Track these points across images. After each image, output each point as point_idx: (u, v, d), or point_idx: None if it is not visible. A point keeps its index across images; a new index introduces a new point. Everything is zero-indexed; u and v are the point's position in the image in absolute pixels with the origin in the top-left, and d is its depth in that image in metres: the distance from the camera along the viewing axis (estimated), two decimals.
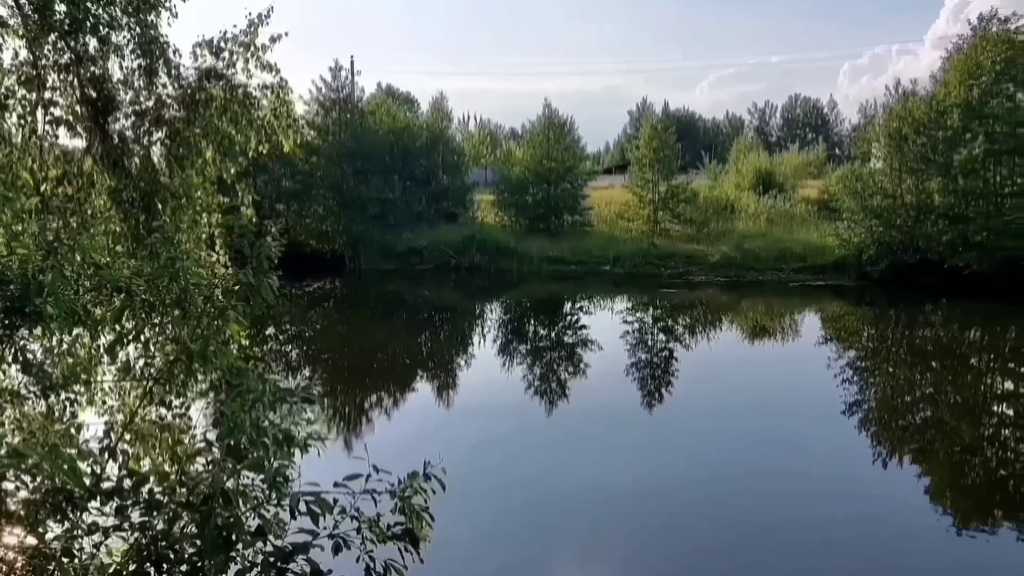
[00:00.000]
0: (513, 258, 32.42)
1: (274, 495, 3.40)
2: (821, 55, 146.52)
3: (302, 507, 3.20)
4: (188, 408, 5.25)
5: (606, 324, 22.98)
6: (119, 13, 6.59)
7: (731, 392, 15.21)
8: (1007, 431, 13.12)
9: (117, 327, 4.79)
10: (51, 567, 3.37)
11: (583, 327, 22.93)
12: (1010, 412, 14.24)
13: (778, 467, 10.87)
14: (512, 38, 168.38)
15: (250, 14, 6.68)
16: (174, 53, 6.89)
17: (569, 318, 24.97)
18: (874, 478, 10.57)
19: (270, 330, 21.12)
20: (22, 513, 3.43)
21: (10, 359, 5.41)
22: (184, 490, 3.49)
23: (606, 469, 10.67)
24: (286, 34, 6.72)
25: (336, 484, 3.37)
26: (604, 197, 37.93)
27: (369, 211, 33.68)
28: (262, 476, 3.38)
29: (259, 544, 3.35)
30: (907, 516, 9.35)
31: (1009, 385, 16.22)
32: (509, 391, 15.19)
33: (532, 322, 24.80)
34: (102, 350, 5.51)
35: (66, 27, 6.44)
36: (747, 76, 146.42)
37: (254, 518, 3.41)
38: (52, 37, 6.51)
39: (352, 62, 37.32)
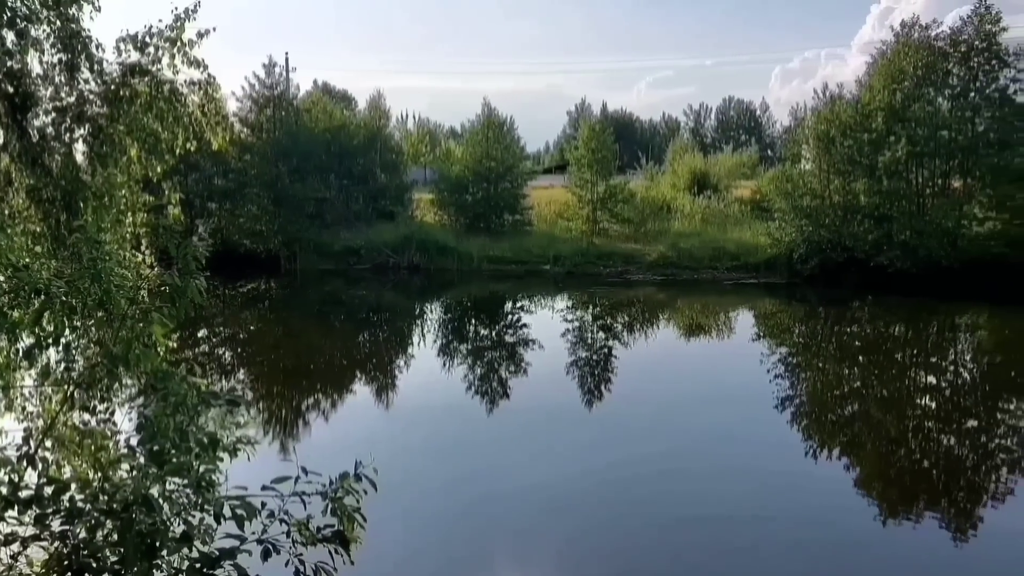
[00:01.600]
0: (453, 257, 32.30)
1: (200, 500, 3.32)
2: (754, 58, 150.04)
3: (227, 512, 3.13)
4: (113, 413, 5.09)
5: (546, 323, 23.10)
6: (38, 6, 6.35)
7: (669, 389, 15.46)
8: (929, 423, 13.63)
9: (36, 330, 4.61)
10: None
11: (524, 326, 23.01)
12: (932, 405, 14.79)
13: (713, 462, 11.08)
14: (451, 37, 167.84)
15: (176, 9, 6.49)
16: (97, 48, 6.66)
17: (510, 317, 25.03)
18: (805, 470, 10.86)
19: (203, 331, 20.64)
20: None
21: None
22: (106, 497, 3.39)
23: (545, 468, 10.71)
24: (214, 30, 6.55)
25: (264, 487, 3.31)
26: (544, 197, 38.10)
27: (305, 210, 33.17)
28: (187, 481, 3.31)
29: (185, 550, 3.27)
30: (837, 507, 9.62)
31: (931, 379, 16.85)
32: (449, 391, 15.16)
33: (472, 321, 24.79)
34: (20, 354, 5.30)
35: None
36: (683, 78, 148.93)
37: (180, 524, 3.33)
38: None
39: (287, 59, 36.71)
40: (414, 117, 72.06)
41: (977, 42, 25.95)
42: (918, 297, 24.44)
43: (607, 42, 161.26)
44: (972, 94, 26.38)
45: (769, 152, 65.81)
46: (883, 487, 10.56)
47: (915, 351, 19.85)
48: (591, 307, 26.46)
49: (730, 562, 8.21)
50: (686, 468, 10.76)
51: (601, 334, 21.85)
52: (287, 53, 36.54)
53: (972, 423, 13.65)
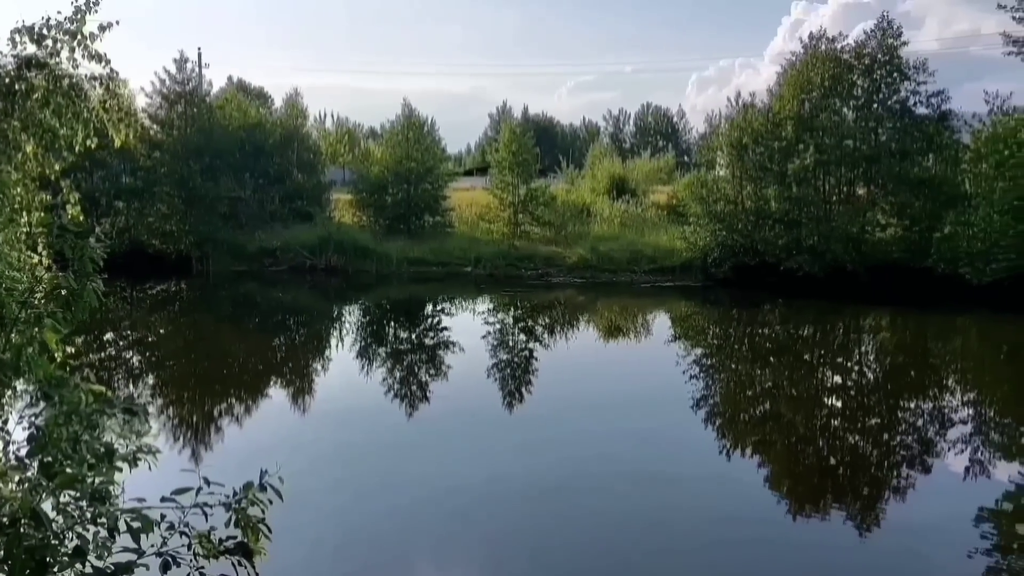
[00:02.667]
0: (372, 259, 31.92)
1: (95, 513, 3.15)
2: (672, 66, 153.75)
3: (123, 525, 2.97)
4: (6, 422, 4.79)
5: (467, 325, 23.04)
6: None
7: (588, 391, 15.59)
8: (836, 421, 14.14)
9: None
10: None
11: (444, 328, 22.89)
12: (838, 404, 15.35)
13: (630, 463, 11.20)
14: (372, 36, 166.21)
15: (76, 1, 6.16)
16: None
17: (430, 320, 24.87)
18: (718, 469, 11.11)
19: (109, 335, 19.82)
20: None
21: None
22: None
23: (464, 473, 10.65)
24: (117, 23, 6.24)
25: (164, 499, 3.16)
26: (465, 198, 38.06)
27: (218, 210, 32.28)
28: (81, 494, 3.13)
29: (78, 566, 3.09)
30: (749, 505, 9.86)
31: (837, 379, 17.50)
32: (367, 395, 14.93)
33: (392, 324, 24.52)
34: None
35: None
36: (603, 84, 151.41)
37: (72, 539, 3.15)
38: None
39: (199, 54, 35.70)
40: (332, 116, 70.94)
41: (880, 55, 27.16)
42: (825, 300, 25.40)
43: (529, 46, 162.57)
44: (875, 105, 27.60)
45: (685, 158, 67.37)
46: (793, 484, 10.88)
47: (822, 352, 20.60)
48: (512, 309, 26.53)
49: (645, 562, 8.31)
50: (604, 470, 10.86)
51: (522, 336, 21.92)
52: (199, 48, 35.58)
53: (875, 421, 14.24)
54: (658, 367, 18.09)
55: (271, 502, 3.29)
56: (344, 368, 17.51)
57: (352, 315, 26.48)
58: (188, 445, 12.09)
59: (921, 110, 27.33)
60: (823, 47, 28.05)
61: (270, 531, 3.26)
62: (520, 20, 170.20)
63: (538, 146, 36.35)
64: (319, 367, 18.43)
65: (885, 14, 27.61)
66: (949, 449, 12.06)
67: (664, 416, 13.77)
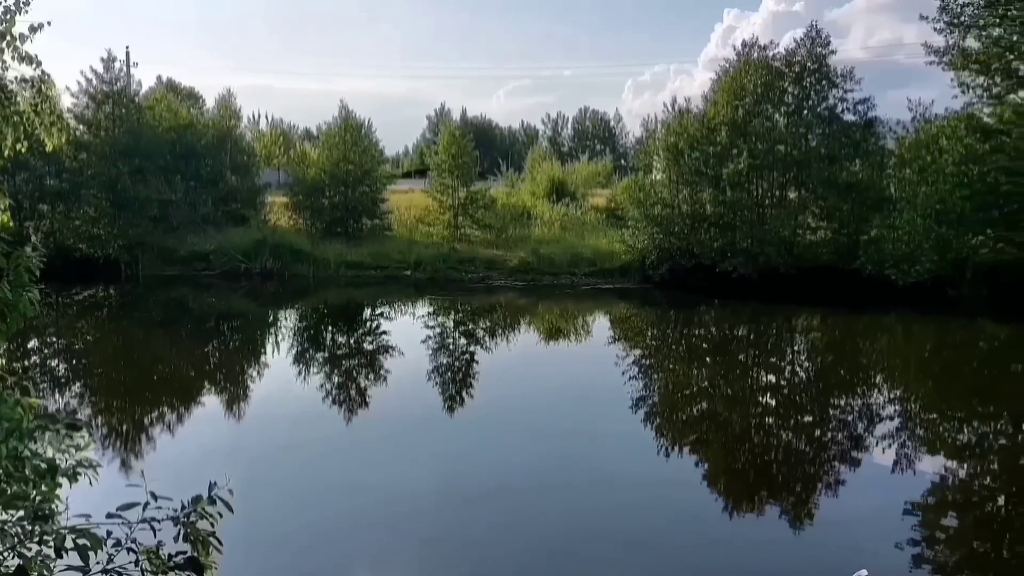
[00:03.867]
0: (309, 263, 31.44)
1: (37, 531, 3.04)
2: (608, 71, 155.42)
3: (68, 543, 2.88)
4: None
5: (408, 329, 22.90)
6: None
7: (529, 392, 15.67)
8: (771, 419, 14.51)
9: None
10: None
11: (384, 333, 22.71)
12: (773, 402, 15.77)
13: (570, 464, 11.31)
14: (307, 36, 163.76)
15: (6, 1, 5.93)
16: None
17: (369, 324, 24.64)
18: (657, 468, 11.29)
19: (33, 343, 19.09)
20: None
21: None
22: None
23: (409, 478, 10.59)
24: (48, 23, 6.03)
25: (109, 515, 3.07)
26: (404, 201, 37.81)
27: (148, 213, 31.39)
28: (22, 512, 3.02)
29: None
30: (686, 503, 10.06)
31: (771, 378, 17.97)
32: (306, 402, 14.70)
33: (330, 329, 24.21)
34: None
35: None
36: (541, 87, 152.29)
37: (14, 558, 3.04)
38: None
39: (128, 53, 34.71)
40: (267, 117, 69.67)
41: (809, 63, 27.99)
42: (759, 301, 26.04)
43: (466, 48, 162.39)
44: (805, 111, 28.43)
45: (623, 162, 68.22)
46: (730, 482, 11.13)
47: (757, 352, 21.11)
48: (453, 312, 26.48)
49: (584, 563, 8.39)
50: (544, 471, 10.93)
51: (463, 340, 21.90)
52: (128, 47, 34.59)
53: (808, 418, 14.67)
54: (598, 368, 18.28)
55: (221, 515, 3.23)
56: (283, 374, 17.22)
57: (289, 320, 26.05)
58: (122, 458, 11.74)
59: (848, 117, 28.28)
60: (755, 55, 28.76)
61: (221, 544, 3.20)
62: (458, 22, 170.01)
63: (477, 149, 36.37)
64: (256, 374, 18.08)
65: (814, 23, 28.50)
66: (878, 444, 12.50)
67: (604, 417, 13.92)
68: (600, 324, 25.49)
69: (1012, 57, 25.11)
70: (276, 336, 23.01)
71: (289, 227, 35.06)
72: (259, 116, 68.33)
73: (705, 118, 29.03)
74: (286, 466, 11.05)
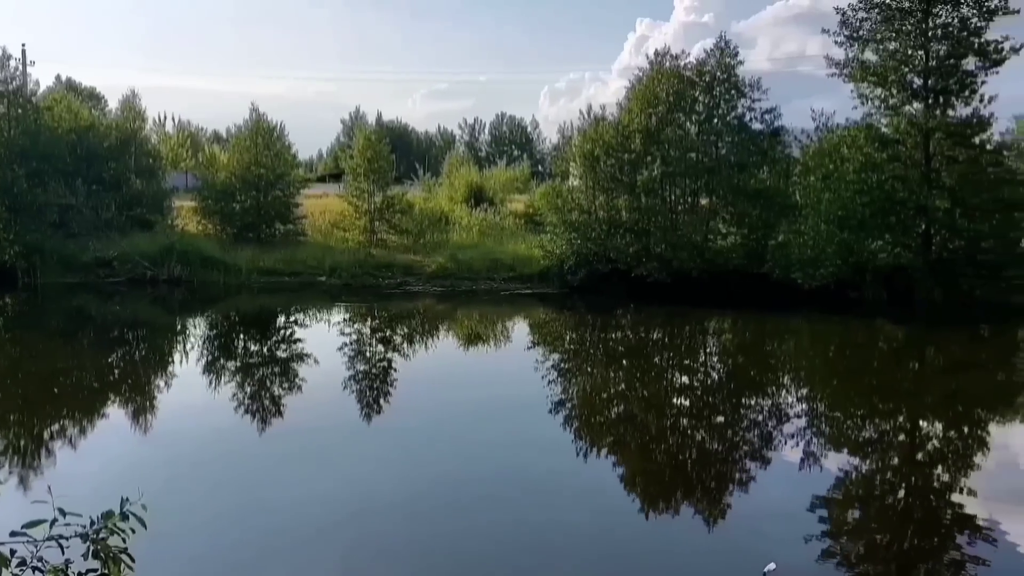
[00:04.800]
0: (219, 269, 30.51)
1: None
2: (524, 77, 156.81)
3: None
4: None
5: (323, 337, 22.45)
6: None
7: (448, 399, 15.54)
8: (685, 420, 14.80)
9: None
10: None
11: (299, 340, 22.19)
12: (687, 403, 16.09)
13: (490, 468, 11.27)
14: (216, 37, 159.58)
15: None
16: None
17: (283, 332, 24.05)
18: (575, 470, 11.34)
19: None
20: None
21: None
22: None
23: (324, 488, 10.34)
24: None
25: (13, 533, 2.90)
26: (318, 206, 37.17)
27: (47, 218, 29.99)
28: None
29: None
30: (604, 504, 10.12)
31: (685, 379, 18.36)
32: (218, 414, 14.20)
33: (242, 337, 23.53)
34: None
35: None
36: (458, 92, 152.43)
37: None
38: None
39: (24, 51, 33.12)
40: (173, 119, 67.56)
41: (719, 73, 28.82)
42: (673, 305, 26.61)
43: (383, 52, 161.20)
44: (715, 120, 29.25)
45: (540, 168, 68.83)
46: (646, 483, 11.28)
47: (671, 354, 21.54)
48: (370, 319, 26.13)
49: (506, 569, 8.35)
50: (461, 478, 10.85)
51: (381, 347, 21.62)
52: (24, 45, 33.03)
53: (721, 418, 15.02)
54: (518, 374, 18.29)
55: (133, 531, 3.09)
56: (193, 385, 16.60)
57: (199, 328, 25.19)
58: (28, 473, 11.07)
59: (756, 125, 29.23)
60: (667, 64, 29.43)
61: (133, 561, 3.06)
62: (374, 25, 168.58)
63: (393, 153, 36.07)
64: (165, 384, 17.40)
65: (723, 34, 29.40)
66: (786, 442, 12.89)
67: (524, 422, 13.93)
68: (519, 329, 25.57)
69: (907, 70, 26.44)
70: (185, 345, 22.21)
71: (198, 232, 34.00)
72: (165, 118, 66.28)
73: (620, 125, 29.53)
74: (197, 481, 10.63)
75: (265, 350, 21.13)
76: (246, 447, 12.34)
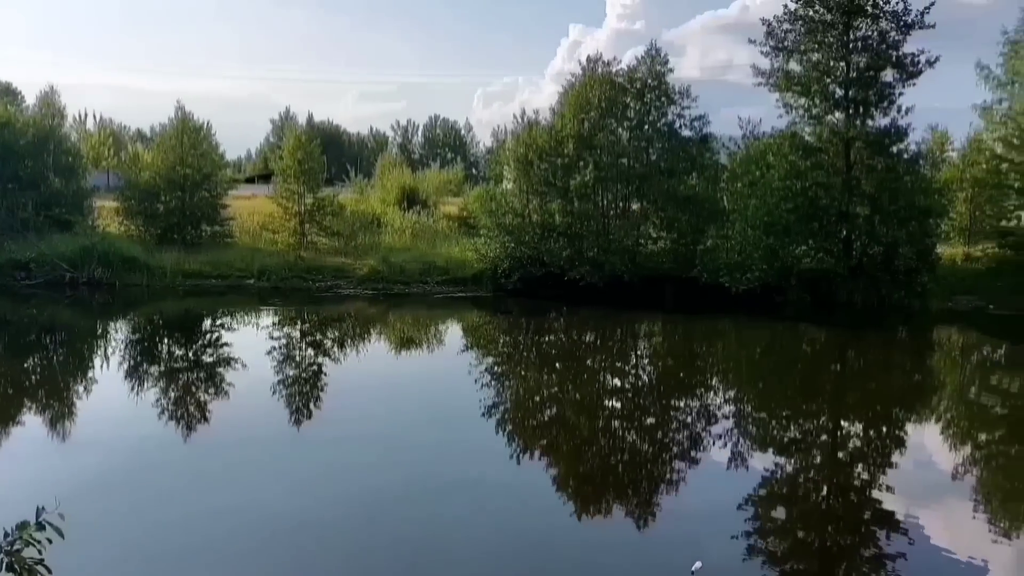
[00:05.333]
0: (143, 272, 29.57)
1: None
2: (458, 80, 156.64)
3: None
4: None
5: (251, 341, 21.94)
6: None
7: (379, 403, 15.36)
8: (617, 422, 14.96)
9: None
10: None
11: (225, 344, 21.63)
12: (618, 405, 16.27)
13: (422, 474, 11.16)
14: (144, 33, 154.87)
15: None
16: None
17: (209, 335, 23.42)
18: (508, 473, 11.34)
19: None
20: None
21: None
22: None
23: (253, 498, 10.08)
24: None
25: None
26: (247, 207, 36.41)
27: None
28: None
29: None
30: (537, 508, 10.15)
31: (617, 381, 18.55)
32: (141, 419, 13.71)
33: (166, 341, 22.82)
34: None
35: None
36: (391, 94, 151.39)
37: None
38: None
39: None
40: (95, 117, 65.33)
41: (650, 80, 29.32)
42: (605, 308, 26.91)
43: (314, 52, 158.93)
44: (646, 127, 29.73)
45: (474, 171, 68.83)
46: (578, 485, 11.36)
47: (603, 357, 21.76)
48: (299, 323, 25.67)
49: (437, 570, 8.29)
50: (396, 483, 10.73)
51: (310, 351, 21.25)
52: None
53: (651, 420, 15.24)
54: (451, 377, 18.22)
55: (51, 541, 2.96)
56: (114, 391, 16.00)
57: (121, 333, 24.34)
58: None
59: (686, 132, 29.85)
60: (600, 70, 29.80)
61: (50, 572, 2.93)
62: (306, 25, 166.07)
63: (325, 154, 35.61)
64: (85, 390, 16.74)
65: (653, 42, 29.95)
66: (715, 443, 13.15)
67: (457, 426, 13.87)
68: (453, 332, 25.48)
69: (829, 81, 27.36)
70: (106, 350, 21.43)
71: (120, 233, 32.92)
72: (86, 115, 64.09)
73: (553, 130, 29.77)
74: (118, 490, 10.24)
75: (191, 354, 20.55)
76: (169, 455, 11.95)
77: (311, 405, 15.57)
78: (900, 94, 27.04)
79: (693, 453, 12.99)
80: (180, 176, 32.71)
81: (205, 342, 22.35)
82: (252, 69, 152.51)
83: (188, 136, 33.31)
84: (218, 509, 9.58)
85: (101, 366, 19.01)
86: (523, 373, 19.52)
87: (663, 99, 29.42)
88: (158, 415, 14.16)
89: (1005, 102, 34.35)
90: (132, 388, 16.42)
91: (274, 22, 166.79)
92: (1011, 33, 34.86)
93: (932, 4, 26.66)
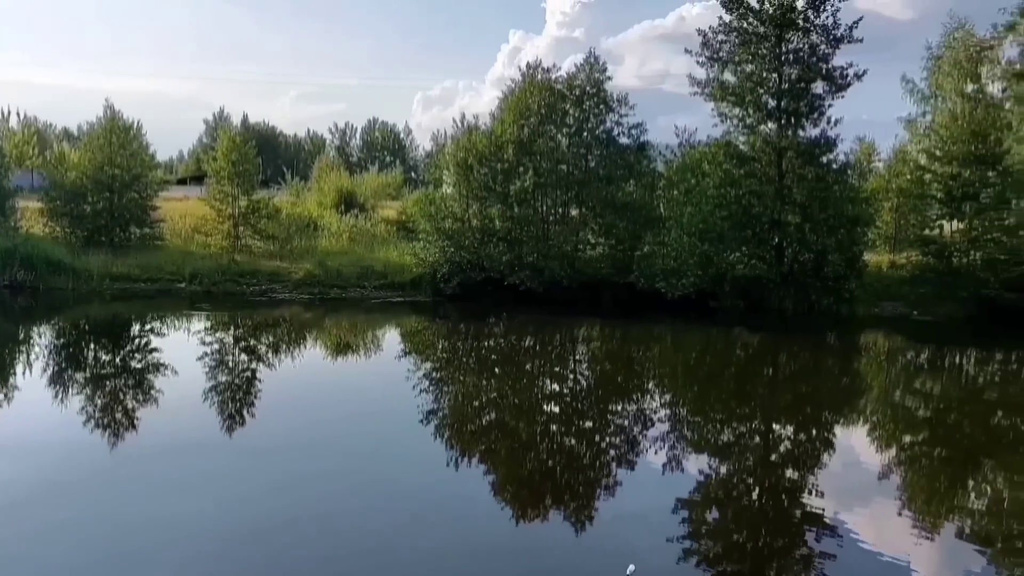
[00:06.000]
0: (68, 275, 28.57)
1: None
2: (398, 83, 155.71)
3: None
4: None
5: (182, 346, 21.35)
6: None
7: (315, 410, 15.10)
8: (555, 426, 14.99)
9: None
10: None
11: (155, 350, 20.98)
12: (556, 409, 16.31)
13: (360, 481, 11.00)
14: (71, 29, 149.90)
15: None
16: None
17: (138, 341, 22.71)
18: (447, 480, 11.25)
19: None
20: None
21: None
22: None
23: (183, 510, 9.78)
24: None
25: None
26: (179, 209, 35.51)
27: None
28: None
29: None
30: (476, 513, 10.09)
31: (555, 386, 18.61)
32: (64, 428, 13.19)
33: (92, 347, 22.04)
34: None
35: None
36: (328, 95, 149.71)
37: None
38: None
39: None
40: (18, 114, 63.06)
41: (589, 87, 29.62)
42: (544, 313, 27.02)
43: (250, 51, 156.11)
44: (585, 133, 30.03)
45: (413, 174, 68.47)
46: (516, 490, 11.33)
47: (542, 362, 21.82)
48: (233, 328, 25.09)
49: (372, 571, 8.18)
50: (332, 492, 10.55)
51: (244, 356, 20.79)
52: None
53: (588, 424, 15.33)
54: (388, 383, 18.02)
55: None
56: (37, 398, 15.36)
57: (44, 338, 23.40)
58: None
59: (624, 140, 30.26)
60: (539, 76, 29.99)
61: None
62: (240, 23, 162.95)
63: (260, 156, 34.96)
64: (4, 397, 16.01)
65: (592, 50, 30.30)
66: (651, 447, 13.28)
67: (394, 432, 13.72)
68: (391, 338, 25.24)
69: (762, 91, 28.04)
70: (28, 356, 20.58)
71: (45, 235, 31.80)
72: (9, 112, 61.92)
73: (493, 135, 29.81)
74: (39, 500, 9.81)
75: (118, 360, 19.89)
76: (95, 465, 11.51)
77: (244, 412, 15.20)
78: (829, 106, 27.90)
79: (630, 457, 13.11)
80: (108, 176, 31.77)
81: (134, 347, 21.67)
82: (185, 68, 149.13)
83: (117, 135, 32.37)
84: (147, 520, 9.26)
85: (23, 372, 18.24)
86: (462, 378, 19.44)
87: (602, 107, 29.74)
88: (83, 423, 13.63)
89: (928, 115, 35.78)
90: (56, 395, 15.79)
91: (209, 20, 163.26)
92: (934, 48, 36.52)
93: (860, 19, 27.65)
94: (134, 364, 19.38)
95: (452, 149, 30.75)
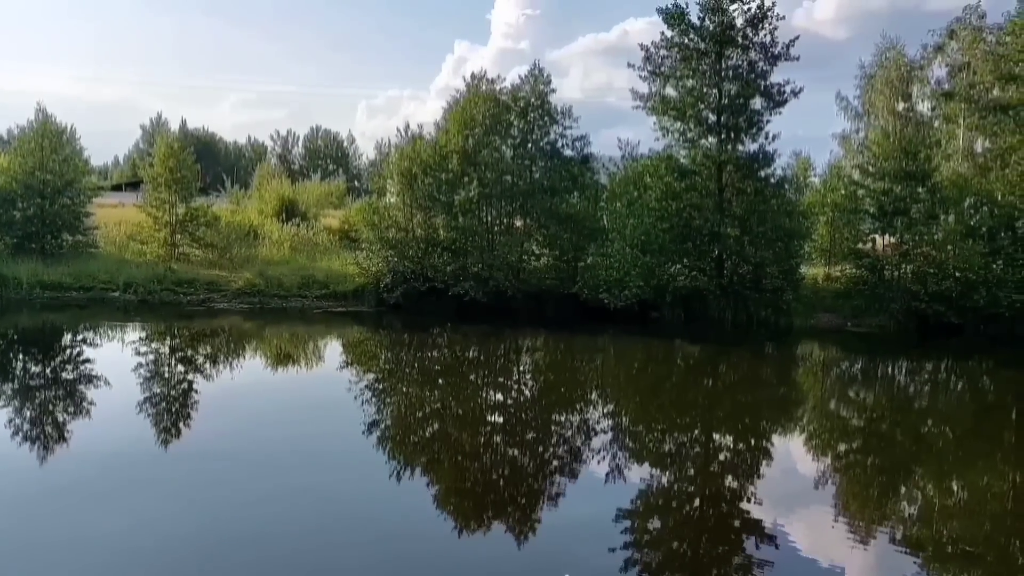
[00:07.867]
0: None
1: None
2: (342, 91, 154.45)
3: None
4: None
5: (115, 357, 20.73)
6: None
7: (254, 422, 14.81)
8: (498, 437, 14.96)
9: None
10: None
11: (87, 361, 20.34)
12: (500, 420, 16.29)
13: (298, 492, 10.80)
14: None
15: None
16: None
17: (70, 351, 21.98)
18: (389, 492, 11.13)
19: None
20: None
21: None
22: None
23: (112, 529, 9.46)
24: None
25: None
26: (113, 216, 34.59)
27: None
28: None
29: None
30: (418, 525, 9.99)
31: (499, 396, 18.59)
32: None
33: (20, 357, 21.25)
34: None
35: None
36: (269, 102, 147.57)
37: None
38: None
39: None
40: None
41: (533, 99, 29.84)
42: (489, 323, 27.01)
43: (189, 56, 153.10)
44: (529, 145, 30.23)
45: (357, 183, 67.87)
46: (459, 501, 11.26)
47: (486, 372, 21.80)
48: (169, 338, 24.47)
49: None
50: (273, 508, 10.33)
51: (180, 367, 20.27)
52: None
53: (532, 435, 15.33)
54: (329, 394, 17.79)
55: None
56: None
57: None
58: None
59: (568, 152, 30.54)
60: (484, 87, 30.08)
61: None
62: (178, 27, 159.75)
63: (199, 162, 34.30)
64: None
65: (536, 62, 30.63)
66: (593, 457, 13.36)
67: (334, 443, 13.55)
68: (332, 348, 24.91)
69: (703, 106, 28.60)
70: None
71: None
72: None
73: (437, 145, 29.78)
74: None
75: (48, 371, 19.20)
76: (21, 481, 11.07)
77: (179, 425, 14.80)
78: (768, 121, 28.62)
79: (573, 466, 13.15)
80: (39, 182, 30.81)
81: (65, 358, 20.97)
82: (122, 71, 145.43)
83: (49, 140, 31.44)
84: (67, 540, 8.93)
85: None
86: (405, 389, 19.28)
87: (546, 118, 29.97)
88: (10, 436, 13.10)
89: (861, 131, 37.00)
90: None
91: (147, 23, 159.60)
92: (867, 67, 37.84)
93: (797, 38, 28.43)
94: (65, 375, 18.74)
95: (396, 158, 30.60)
